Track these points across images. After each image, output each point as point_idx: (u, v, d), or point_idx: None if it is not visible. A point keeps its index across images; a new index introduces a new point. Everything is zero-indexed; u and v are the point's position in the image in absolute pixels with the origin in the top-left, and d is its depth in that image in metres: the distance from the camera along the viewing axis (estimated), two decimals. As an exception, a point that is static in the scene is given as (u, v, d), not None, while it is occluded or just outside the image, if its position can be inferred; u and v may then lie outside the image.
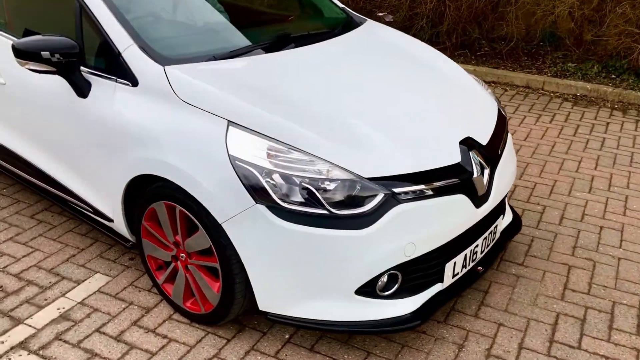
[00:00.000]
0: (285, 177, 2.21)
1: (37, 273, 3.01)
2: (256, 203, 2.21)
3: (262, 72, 2.62)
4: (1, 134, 3.31)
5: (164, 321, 2.69)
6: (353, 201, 2.22)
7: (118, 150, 2.59)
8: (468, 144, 2.55)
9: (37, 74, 2.81)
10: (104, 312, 2.74)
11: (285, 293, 2.33)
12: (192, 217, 2.40)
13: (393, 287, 2.37)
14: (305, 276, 2.27)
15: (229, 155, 2.25)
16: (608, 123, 5.25)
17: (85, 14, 2.71)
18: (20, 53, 2.57)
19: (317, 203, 2.20)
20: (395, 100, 2.64)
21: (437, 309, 2.47)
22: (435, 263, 2.44)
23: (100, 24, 2.65)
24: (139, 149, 2.49)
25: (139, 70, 2.54)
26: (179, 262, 2.61)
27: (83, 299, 2.82)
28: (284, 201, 2.20)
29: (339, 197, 2.21)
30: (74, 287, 2.91)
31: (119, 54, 2.59)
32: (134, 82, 2.55)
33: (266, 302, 2.37)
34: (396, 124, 2.49)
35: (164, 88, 2.47)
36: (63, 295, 2.85)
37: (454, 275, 2.55)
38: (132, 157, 2.52)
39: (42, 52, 2.55)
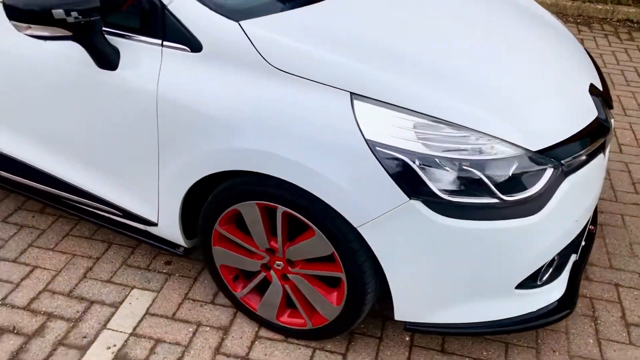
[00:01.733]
0: (443, 162, 1.73)
1: (53, 300, 2.32)
2: (410, 198, 1.72)
3: (359, 22, 2.03)
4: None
5: (253, 342, 2.17)
6: (523, 182, 1.80)
7: (177, 141, 1.94)
8: (594, 92, 2.19)
9: (19, 42, 2.03)
10: (170, 343, 2.16)
11: (432, 299, 1.91)
12: (306, 221, 1.86)
13: (548, 272, 2.02)
14: (462, 277, 1.86)
15: (365, 140, 1.72)
16: (582, 40, 5.12)
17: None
18: (20, 13, 1.78)
19: (483, 190, 1.75)
20: (515, 51, 2.17)
21: (579, 284, 2.18)
22: (579, 234, 2.11)
23: (124, -35, 1.90)
24: (216, 138, 1.86)
25: (201, 29, 1.85)
26: (272, 272, 2.08)
27: (134, 328, 2.21)
28: (444, 192, 1.73)
29: (507, 179, 1.77)
30: (113, 313, 2.27)
31: (163, 6, 1.87)
32: (195, 47, 1.87)
33: (406, 310, 1.94)
34: (532, 79, 2.05)
35: (246, 53, 1.82)
36: (104, 326, 2.21)
37: (582, 242, 2.25)
38: (206, 149, 1.89)
39: (54, 11, 1.78)
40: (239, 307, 2.24)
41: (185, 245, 2.24)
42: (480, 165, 1.74)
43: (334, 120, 1.75)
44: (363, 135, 1.72)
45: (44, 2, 1.77)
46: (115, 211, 2.28)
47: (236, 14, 1.87)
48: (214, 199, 2.00)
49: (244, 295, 2.19)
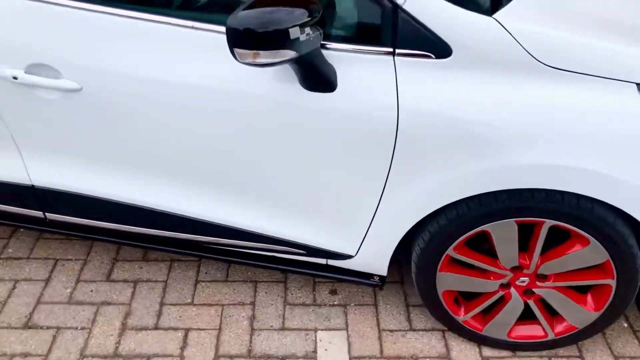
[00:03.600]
0: None
1: (235, 366, 1.96)
2: None
3: (606, 3, 1.82)
4: (73, 175, 1.94)
5: (485, 365, 1.98)
6: None
7: (419, 164, 1.64)
8: None
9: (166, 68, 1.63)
10: (401, 387, 1.91)
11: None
12: (579, 231, 1.67)
13: None
14: None
15: None
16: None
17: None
18: (254, 38, 1.37)
19: None
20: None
21: None
22: None
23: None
24: (479, 157, 1.59)
25: (450, 30, 1.54)
26: (511, 289, 1.87)
27: (351, 379, 1.93)
28: None
29: None
30: (315, 366, 1.96)
31: (395, 7, 1.53)
32: (441, 52, 1.55)
33: (667, 303, 1.84)
34: None
35: (509, 52, 1.53)
36: (315, 385, 1.91)
37: None
38: (462, 171, 1.61)
39: (290, 30, 1.39)
40: (456, 330, 2.03)
41: (384, 274, 1.97)
42: None
43: (627, 118, 1.55)
44: (671, 129, 1.54)
45: (281, 21, 1.38)
46: (295, 249, 1.94)
47: (484, 7, 1.58)
48: (454, 222, 1.74)
49: (467, 318, 1.97)
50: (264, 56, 1.42)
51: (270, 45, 1.39)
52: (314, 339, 2.05)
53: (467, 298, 1.98)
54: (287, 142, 1.70)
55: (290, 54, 1.43)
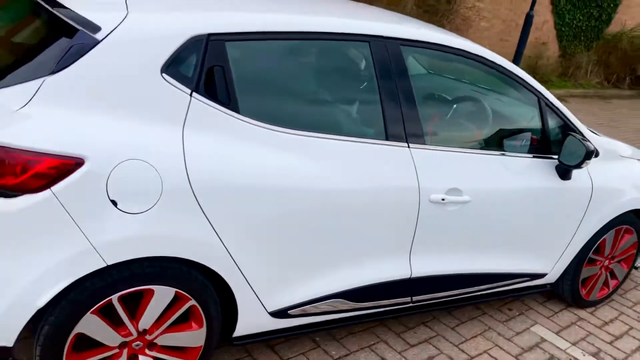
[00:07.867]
0: None
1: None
2: None
3: None
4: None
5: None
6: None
7: (601, 206, 3.36)
8: None
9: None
10: None
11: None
12: None
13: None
14: None
15: None
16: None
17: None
18: (591, 155, 2.97)
19: None
20: None
21: None
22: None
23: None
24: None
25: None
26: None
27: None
28: None
29: None
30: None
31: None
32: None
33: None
34: None
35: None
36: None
37: None
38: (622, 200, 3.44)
39: (596, 148, 3.06)
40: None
41: (553, 282, 3.57)
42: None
43: None
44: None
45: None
46: (524, 278, 3.36)
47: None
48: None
49: None
50: (589, 163, 3.00)
51: (591, 158, 2.99)
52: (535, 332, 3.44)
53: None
54: (548, 208, 3.20)
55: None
